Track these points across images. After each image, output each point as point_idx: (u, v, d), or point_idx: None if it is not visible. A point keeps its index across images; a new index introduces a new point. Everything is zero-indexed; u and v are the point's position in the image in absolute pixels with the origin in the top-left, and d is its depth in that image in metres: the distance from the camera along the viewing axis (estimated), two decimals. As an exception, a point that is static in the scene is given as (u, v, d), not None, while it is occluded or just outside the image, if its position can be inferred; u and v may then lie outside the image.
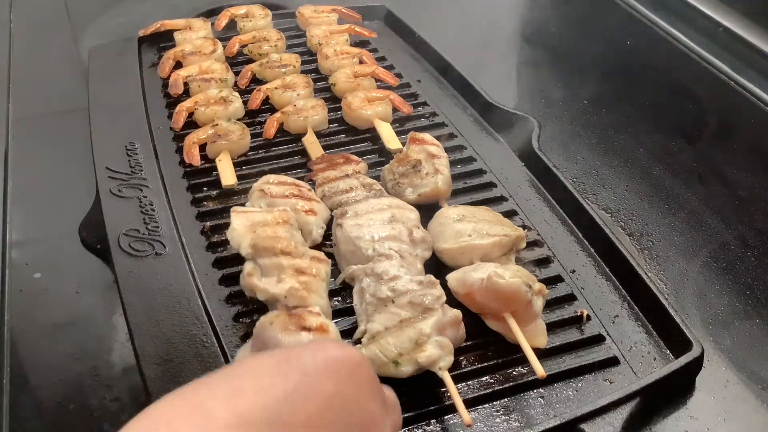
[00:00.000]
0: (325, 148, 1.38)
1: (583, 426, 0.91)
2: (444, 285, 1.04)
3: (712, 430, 0.95)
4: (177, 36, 1.68)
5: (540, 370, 0.94)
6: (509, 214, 1.23)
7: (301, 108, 1.45)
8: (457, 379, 0.96)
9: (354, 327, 1.03)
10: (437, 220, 1.16)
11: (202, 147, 1.38)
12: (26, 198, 1.35)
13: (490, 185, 1.32)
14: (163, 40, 1.71)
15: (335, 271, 1.12)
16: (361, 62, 1.61)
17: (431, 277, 1.03)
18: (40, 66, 1.74)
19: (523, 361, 0.98)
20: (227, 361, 0.99)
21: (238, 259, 1.09)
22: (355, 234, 1.10)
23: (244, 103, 1.50)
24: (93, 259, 1.20)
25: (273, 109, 1.50)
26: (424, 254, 1.11)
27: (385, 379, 0.78)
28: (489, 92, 1.50)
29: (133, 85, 1.57)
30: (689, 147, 1.47)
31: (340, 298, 1.10)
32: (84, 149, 1.37)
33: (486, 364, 1.01)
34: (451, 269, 1.09)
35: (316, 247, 1.14)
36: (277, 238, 1.06)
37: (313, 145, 1.38)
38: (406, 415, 0.88)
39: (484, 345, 1.03)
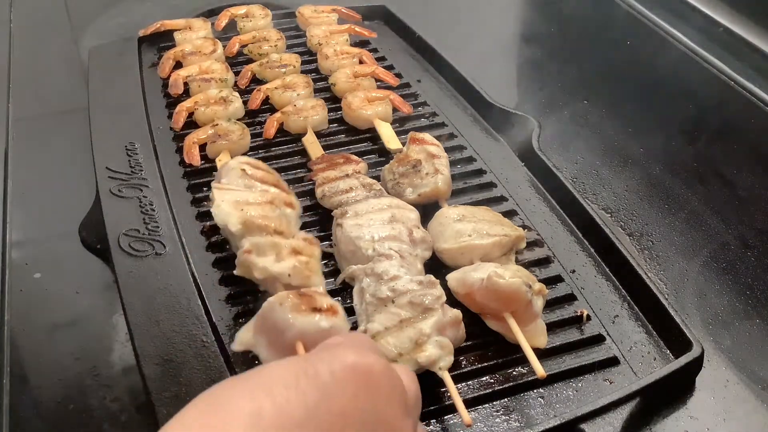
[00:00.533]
0: (325, 148, 1.38)
1: (583, 426, 0.91)
2: (444, 285, 1.04)
3: (712, 430, 0.95)
4: (177, 36, 1.68)
5: (540, 370, 0.93)
6: (509, 214, 1.23)
7: (301, 108, 1.45)
8: (457, 379, 0.96)
9: (354, 327, 1.02)
10: (437, 220, 1.16)
11: (202, 147, 1.38)
12: (26, 198, 1.34)
13: (490, 185, 1.32)
14: (163, 40, 1.71)
15: (335, 271, 1.13)
16: (361, 62, 1.61)
17: (431, 277, 1.03)
18: (40, 66, 1.74)
19: (523, 361, 0.98)
20: (227, 361, 0.99)
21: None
22: (355, 234, 1.10)
23: (244, 103, 1.49)
24: (93, 259, 1.20)
25: (273, 109, 1.50)
26: (424, 254, 1.11)
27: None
28: (489, 92, 1.50)
29: (133, 85, 1.56)
30: (689, 147, 1.47)
31: (340, 298, 1.10)
32: (84, 149, 1.37)
33: (486, 364, 1.00)
34: (451, 269, 1.09)
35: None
36: (269, 217, 1.05)
37: (313, 145, 1.38)
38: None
39: (484, 345, 1.03)
